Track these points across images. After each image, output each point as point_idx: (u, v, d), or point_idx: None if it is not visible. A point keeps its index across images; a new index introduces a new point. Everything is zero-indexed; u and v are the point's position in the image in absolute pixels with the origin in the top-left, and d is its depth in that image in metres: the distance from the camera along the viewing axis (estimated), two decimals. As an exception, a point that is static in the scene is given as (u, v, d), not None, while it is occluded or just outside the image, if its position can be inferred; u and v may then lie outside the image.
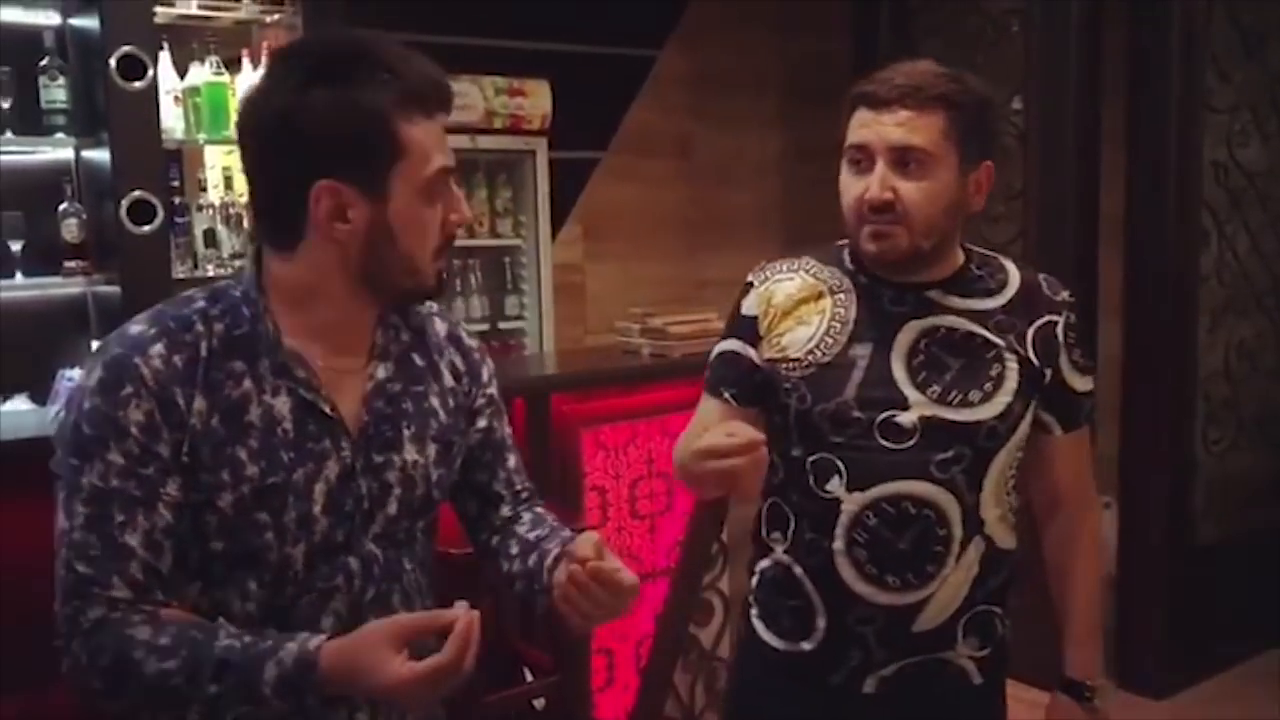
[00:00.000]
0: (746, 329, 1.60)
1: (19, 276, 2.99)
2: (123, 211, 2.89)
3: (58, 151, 3.09)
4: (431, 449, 1.31)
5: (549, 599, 1.30)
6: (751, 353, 1.59)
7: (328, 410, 1.22)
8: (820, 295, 1.57)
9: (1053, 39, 3.46)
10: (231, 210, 3.27)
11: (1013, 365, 1.52)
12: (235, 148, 3.45)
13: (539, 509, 1.46)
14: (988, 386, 1.50)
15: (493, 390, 1.42)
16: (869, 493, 1.48)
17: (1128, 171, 3.53)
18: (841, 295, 1.56)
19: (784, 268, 1.62)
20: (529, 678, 2.42)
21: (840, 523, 1.50)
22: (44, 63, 2.96)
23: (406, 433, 1.28)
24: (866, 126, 1.47)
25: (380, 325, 1.29)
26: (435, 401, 1.32)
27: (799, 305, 1.57)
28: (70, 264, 3.03)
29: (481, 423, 1.40)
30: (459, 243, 4.22)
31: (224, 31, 3.26)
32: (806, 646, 1.56)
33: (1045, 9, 3.47)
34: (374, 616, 1.22)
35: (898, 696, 1.54)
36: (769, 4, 4.48)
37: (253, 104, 1.18)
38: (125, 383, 1.13)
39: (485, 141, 3.69)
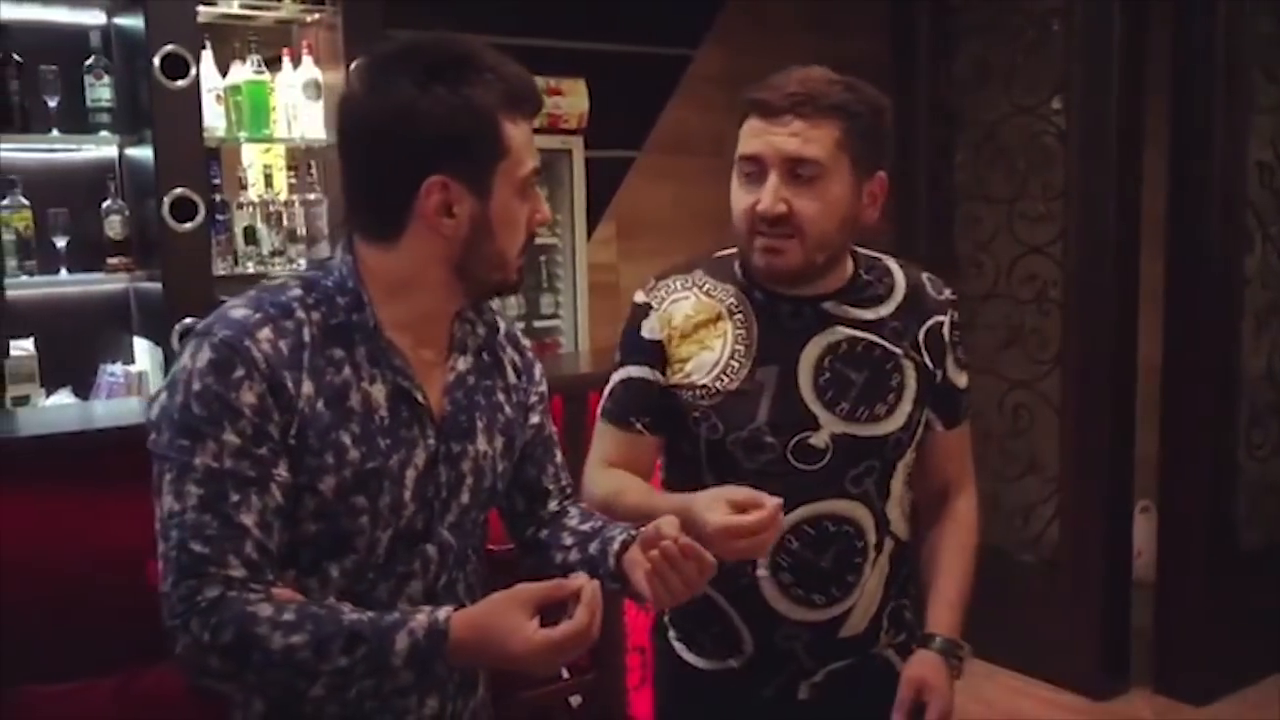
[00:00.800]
0: (652, 354, 1.54)
1: (64, 272, 3.04)
2: (165, 209, 2.93)
3: (102, 149, 3.14)
4: (499, 441, 1.35)
5: (616, 583, 1.33)
6: (660, 379, 1.54)
7: (420, 399, 1.26)
8: (719, 317, 1.53)
9: (1094, 38, 3.42)
10: (271, 208, 3.30)
11: (911, 372, 1.53)
12: (273, 146, 3.51)
13: (582, 504, 1.49)
14: (890, 398, 1.51)
15: (544, 388, 1.46)
16: (789, 517, 1.45)
17: (1170, 172, 3.48)
18: (740, 316, 1.52)
19: (678, 285, 1.57)
20: (565, 675, 2.43)
21: None
22: (89, 62, 3.01)
23: (479, 424, 1.33)
24: (758, 136, 1.43)
25: (458, 319, 1.33)
26: (501, 396, 1.37)
27: (697, 329, 1.53)
28: (113, 260, 3.08)
29: (535, 419, 1.43)
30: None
31: (265, 30, 3.29)
32: (734, 664, 1.56)
33: (1087, 8, 3.43)
34: (445, 603, 1.25)
35: (830, 699, 1.55)
36: (805, 3, 4.46)
37: (362, 102, 1.21)
38: (238, 364, 1.15)
39: (522, 140, 3.70)
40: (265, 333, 1.17)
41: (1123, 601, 3.59)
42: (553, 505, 1.46)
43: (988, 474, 3.91)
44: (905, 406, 1.52)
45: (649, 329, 1.55)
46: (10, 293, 2.92)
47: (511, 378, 1.40)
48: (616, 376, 1.58)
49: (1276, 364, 3.71)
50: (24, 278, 2.96)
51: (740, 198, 1.47)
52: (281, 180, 3.38)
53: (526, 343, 1.46)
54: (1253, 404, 3.65)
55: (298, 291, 1.23)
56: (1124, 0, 3.36)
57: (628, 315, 1.59)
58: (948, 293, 1.60)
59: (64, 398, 3.03)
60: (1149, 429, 3.59)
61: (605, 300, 4.09)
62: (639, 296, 1.59)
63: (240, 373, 1.15)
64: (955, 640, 1.55)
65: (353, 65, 1.30)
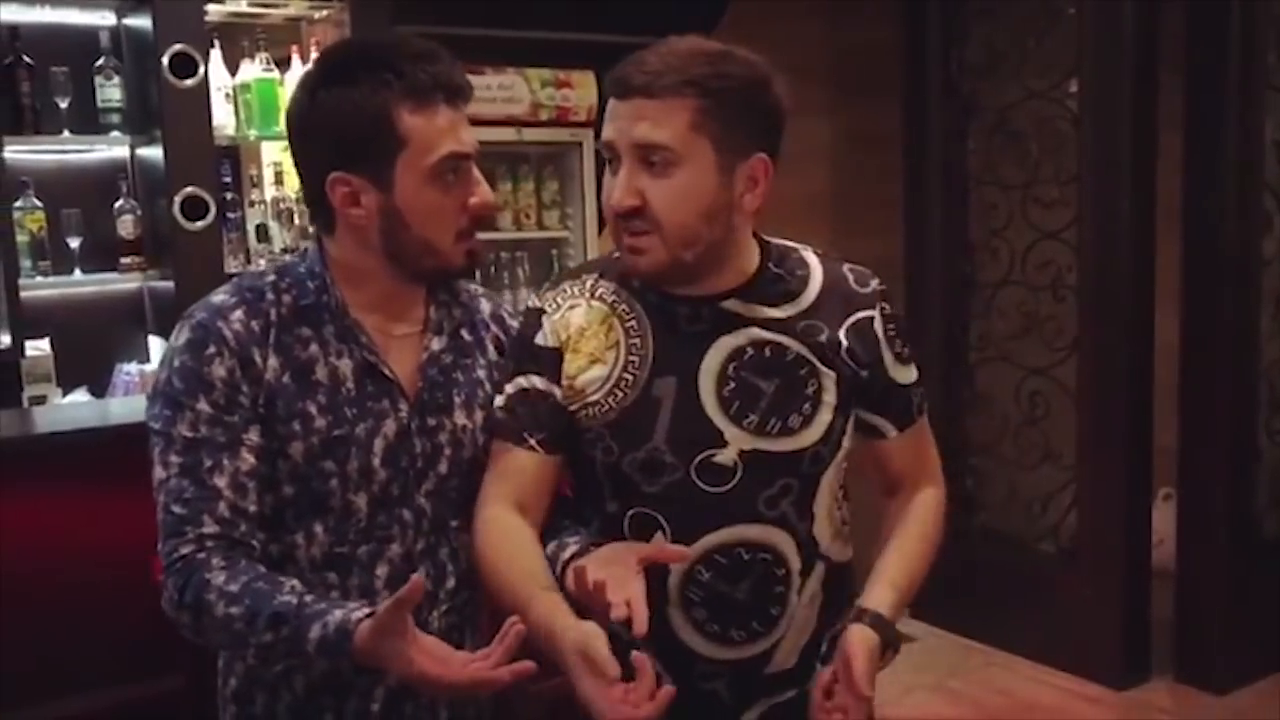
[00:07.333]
0: (547, 362, 1.37)
1: (78, 273, 3.06)
2: (176, 208, 2.95)
3: (113, 149, 3.16)
4: (479, 415, 1.43)
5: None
6: (556, 391, 1.36)
7: (387, 372, 1.36)
8: (610, 326, 1.36)
9: (1107, 21, 3.38)
10: (282, 205, 3.30)
11: (829, 377, 1.35)
12: (286, 144, 3.52)
13: None
14: (806, 408, 1.34)
15: None
16: (697, 545, 1.31)
17: (1186, 154, 3.44)
18: (634, 323, 1.36)
19: (572, 290, 1.40)
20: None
21: (671, 582, 1.32)
22: (99, 63, 3.03)
23: (457, 399, 1.41)
24: (611, 121, 1.28)
25: (434, 301, 1.42)
26: (482, 373, 1.45)
27: (589, 339, 1.36)
28: (126, 260, 3.10)
29: None
30: (507, 235, 4.21)
31: (273, 28, 3.30)
32: None
33: (1100, -10, 3.40)
34: (424, 566, 1.37)
35: None
36: (817, -10, 4.44)
37: (289, 104, 1.36)
38: (210, 343, 1.29)
39: (532, 134, 3.69)
40: (238, 314, 1.32)
41: (1143, 590, 3.56)
42: None
43: (1004, 462, 3.89)
44: (824, 416, 1.34)
45: (543, 337, 1.39)
46: (25, 293, 2.95)
47: (493, 355, 1.47)
48: (508, 388, 1.39)
49: (1296, 347, 3.68)
50: (39, 278, 2.99)
51: (604, 189, 1.32)
52: (294, 178, 3.38)
53: (514, 324, 1.49)
54: (1272, 388, 3.62)
55: (272, 277, 1.38)
56: (1137, -18, 3.33)
57: (520, 322, 1.44)
58: (874, 284, 1.41)
59: (80, 397, 3.05)
60: (1168, 416, 3.56)
61: (618, 293, 4.08)
62: (532, 301, 1.44)
63: (212, 350, 1.29)
64: (888, 620, 1.30)
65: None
